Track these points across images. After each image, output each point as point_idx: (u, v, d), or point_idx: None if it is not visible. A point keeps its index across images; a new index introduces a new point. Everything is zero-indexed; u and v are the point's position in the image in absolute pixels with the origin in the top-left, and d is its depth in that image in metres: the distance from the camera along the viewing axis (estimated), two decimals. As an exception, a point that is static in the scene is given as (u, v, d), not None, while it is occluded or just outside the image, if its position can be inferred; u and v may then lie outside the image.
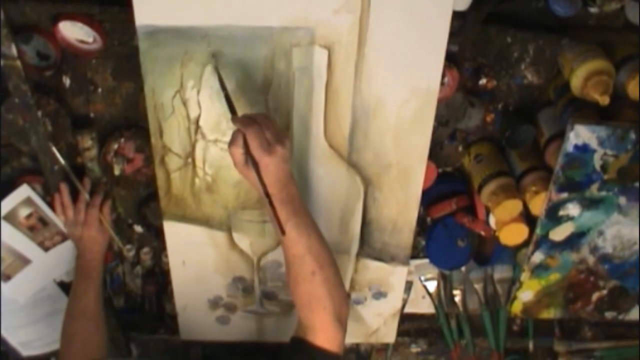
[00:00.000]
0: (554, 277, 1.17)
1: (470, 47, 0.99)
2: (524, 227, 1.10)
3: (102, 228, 1.09)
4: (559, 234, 1.10)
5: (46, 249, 1.14)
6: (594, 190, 1.04)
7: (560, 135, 0.99)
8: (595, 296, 1.22)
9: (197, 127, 0.97)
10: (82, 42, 0.96)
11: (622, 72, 0.94)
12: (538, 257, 1.13)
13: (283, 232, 0.84)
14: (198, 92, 0.94)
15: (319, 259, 0.88)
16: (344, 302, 0.91)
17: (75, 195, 1.08)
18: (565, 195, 1.04)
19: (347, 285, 1.17)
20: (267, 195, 0.84)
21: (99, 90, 1.03)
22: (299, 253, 0.88)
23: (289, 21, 0.88)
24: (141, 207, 1.16)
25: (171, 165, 1.01)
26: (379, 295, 1.19)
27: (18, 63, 0.91)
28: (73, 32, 0.95)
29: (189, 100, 0.94)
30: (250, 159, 0.83)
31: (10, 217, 1.08)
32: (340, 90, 0.94)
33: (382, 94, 0.94)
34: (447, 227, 1.16)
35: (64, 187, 1.06)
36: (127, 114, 1.06)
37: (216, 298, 1.19)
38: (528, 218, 1.10)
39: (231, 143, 0.84)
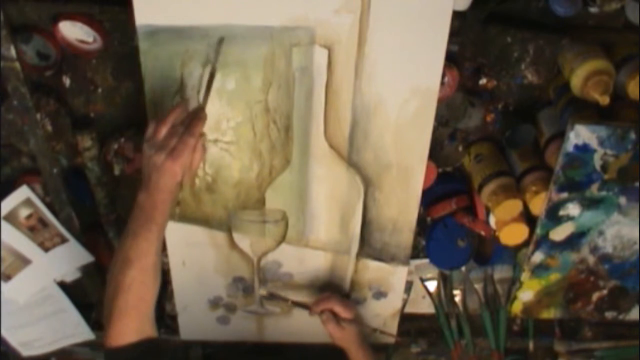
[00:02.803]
0: (554, 277, 1.17)
1: (470, 47, 0.99)
2: (524, 227, 1.10)
3: (187, 164, 0.87)
4: (559, 234, 1.10)
5: (46, 250, 1.14)
6: (594, 190, 1.04)
7: (560, 135, 0.99)
8: (595, 296, 1.22)
9: (197, 127, 0.97)
10: (82, 42, 0.96)
11: (622, 72, 0.94)
12: (538, 257, 1.13)
13: None
14: (198, 92, 0.94)
15: None
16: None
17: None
18: (565, 195, 1.04)
19: (347, 286, 1.17)
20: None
21: (99, 90, 1.03)
22: None
23: (289, 21, 0.88)
24: (141, 207, 1.16)
25: (171, 165, 1.01)
26: (379, 295, 1.19)
27: (17, 65, 0.92)
28: (73, 32, 0.95)
29: (189, 100, 0.94)
30: None
31: (11, 218, 1.08)
32: (340, 90, 0.94)
33: (382, 93, 0.94)
34: (447, 227, 1.16)
35: (183, 106, 0.89)
36: (127, 114, 1.06)
37: (216, 298, 1.19)
38: (528, 218, 1.10)
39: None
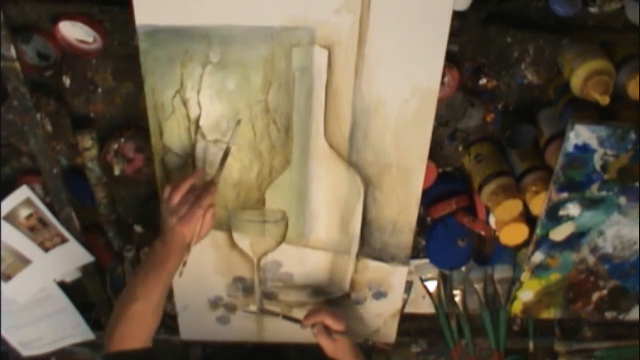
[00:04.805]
0: (554, 277, 1.17)
1: (470, 47, 1.00)
2: (524, 227, 1.10)
3: (195, 229, 0.96)
4: (559, 234, 1.10)
5: (46, 250, 1.14)
6: (594, 190, 1.04)
7: (560, 135, 0.99)
8: (595, 296, 1.22)
9: (197, 127, 0.97)
10: (82, 42, 0.96)
11: (622, 72, 0.94)
12: (538, 257, 1.13)
13: None
14: (198, 92, 0.94)
15: None
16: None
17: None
18: (565, 195, 1.04)
19: (347, 285, 1.17)
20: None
21: (99, 90, 1.03)
22: None
23: (289, 21, 0.88)
24: (141, 207, 1.16)
25: (171, 165, 1.01)
26: (379, 295, 1.19)
27: (17, 65, 0.92)
28: (73, 32, 0.95)
29: (189, 100, 0.95)
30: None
31: (11, 218, 1.08)
32: (340, 90, 0.94)
33: (382, 93, 0.94)
34: (447, 227, 1.16)
35: (197, 175, 0.97)
36: (127, 114, 1.06)
37: (216, 298, 1.19)
38: (528, 218, 1.10)
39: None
